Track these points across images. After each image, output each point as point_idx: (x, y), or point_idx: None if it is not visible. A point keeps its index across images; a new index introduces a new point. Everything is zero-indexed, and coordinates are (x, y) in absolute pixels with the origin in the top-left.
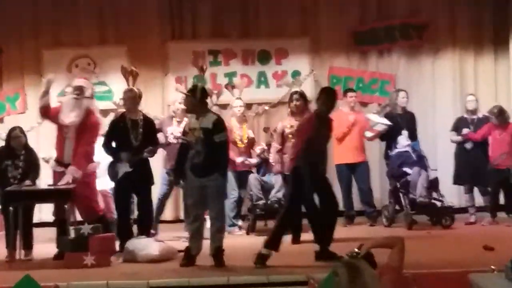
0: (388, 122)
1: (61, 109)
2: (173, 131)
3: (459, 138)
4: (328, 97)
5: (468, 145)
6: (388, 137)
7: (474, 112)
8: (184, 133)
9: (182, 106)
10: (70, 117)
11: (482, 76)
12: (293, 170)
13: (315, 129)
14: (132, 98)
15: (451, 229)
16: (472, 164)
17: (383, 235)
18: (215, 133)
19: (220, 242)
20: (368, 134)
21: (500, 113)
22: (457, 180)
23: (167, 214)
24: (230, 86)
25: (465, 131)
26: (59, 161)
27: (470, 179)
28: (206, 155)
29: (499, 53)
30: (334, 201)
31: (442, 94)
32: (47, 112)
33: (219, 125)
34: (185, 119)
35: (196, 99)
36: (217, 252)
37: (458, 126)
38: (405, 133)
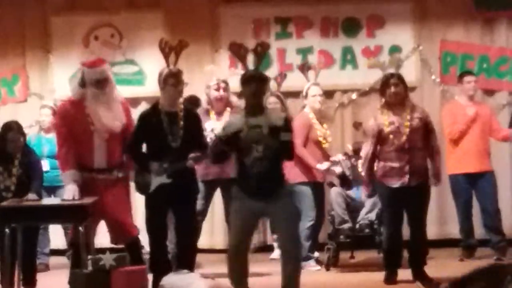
0: None
1: (91, 110)
2: (213, 127)
3: None
4: None
5: None
6: None
7: None
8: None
9: (221, 93)
10: (110, 120)
11: None
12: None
13: None
14: (180, 84)
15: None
16: None
17: None
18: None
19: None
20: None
21: None
22: None
23: (202, 240)
24: (306, 66)
25: None
26: (87, 168)
27: None
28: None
29: None
30: None
31: None
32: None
33: (288, 123)
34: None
35: (267, 86)
36: None
37: None
38: None
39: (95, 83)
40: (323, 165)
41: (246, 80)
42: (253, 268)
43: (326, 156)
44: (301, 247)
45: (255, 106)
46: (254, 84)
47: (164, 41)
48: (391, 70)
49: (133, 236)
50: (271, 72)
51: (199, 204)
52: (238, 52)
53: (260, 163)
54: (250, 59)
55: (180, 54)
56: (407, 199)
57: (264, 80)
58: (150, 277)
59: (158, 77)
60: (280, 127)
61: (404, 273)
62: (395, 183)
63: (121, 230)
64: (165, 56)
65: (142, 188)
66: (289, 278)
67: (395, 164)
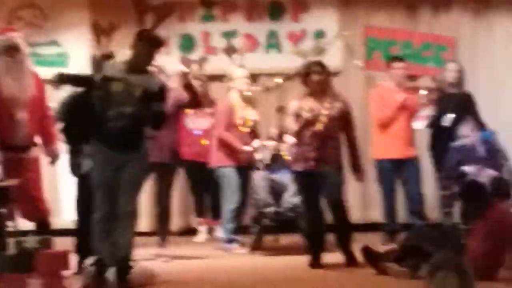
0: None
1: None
2: None
3: None
4: None
5: None
6: (435, 123)
7: None
8: None
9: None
10: (16, 90)
11: None
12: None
13: None
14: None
15: None
16: None
17: None
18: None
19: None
20: (418, 124)
21: None
22: None
23: (143, 223)
24: (231, 49)
25: None
26: (7, 146)
27: None
28: None
29: None
30: None
31: None
32: None
33: (163, 92)
34: None
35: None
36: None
37: None
38: (450, 117)
39: (5, 50)
40: (249, 147)
41: (143, 37)
42: (176, 251)
43: (246, 140)
44: (136, 217)
45: (138, 65)
46: (150, 44)
47: (96, 24)
48: (314, 57)
49: (44, 216)
50: (196, 55)
51: None
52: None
53: (121, 120)
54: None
55: (111, 37)
56: (320, 183)
57: (158, 44)
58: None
59: (91, 60)
60: (154, 93)
61: (330, 257)
62: (307, 168)
63: (34, 208)
64: (96, 38)
65: (74, 169)
66: (120, 252)
67: (310, 151)
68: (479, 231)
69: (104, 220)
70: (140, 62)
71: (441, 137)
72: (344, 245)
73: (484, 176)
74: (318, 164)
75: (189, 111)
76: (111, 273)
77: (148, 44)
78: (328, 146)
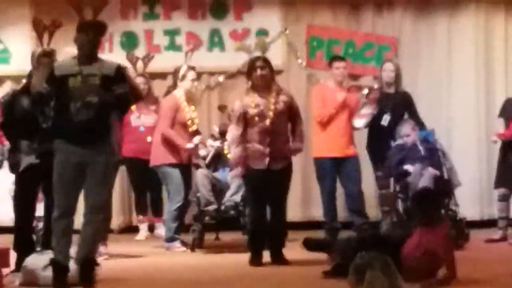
0: (373, 106)
1: None
2: None
3: (495, 139)
4: None
5: None
6: (374, 122)
7: None
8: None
9: None
10: None
11: None
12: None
13: None
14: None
15: (465, 251)
16: None
17: None
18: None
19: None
20: (358, 122)
21: None
22: (501, 182)
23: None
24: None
25: (494, 139)
26: None
27: (510, 182)
28: None
29: None
30: None
31: (461, 65)
32: None
33: (122, 74)
34: None
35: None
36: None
37: (505, 111)
38: (388, 116)
39: None
40: (191, 144)
41: (82, 27)
42: (118, 249)
43: (191, 140)
44: (107, 216)
45: (89, 55)
46: (91, 32)
47: (37, 20)
48: (258, 54)
49: None
50: (139, 52)
51: None
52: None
53: (86, 111)
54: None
55: (54, 34)
56: (270, 182)
57: (102, 29)
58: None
59: (31, 56)
60: (113, 77)
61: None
62: (258, 166)
63: None
64: (38, 35)
65: (12, 167)
66: (87, 250)
67: (259, 147)
68: (415, 237)
69: (63, 218)
70: (87, 52)
71: (379, 136)
72: (275, 244)
73: (426, 175)
74: (270, 162)
75: (133, 108)
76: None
77: (89, 32)
78: (278, 142)
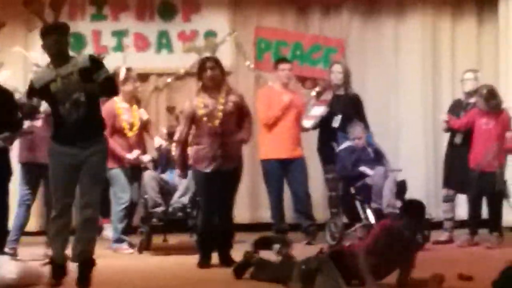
0: (322, 108)
1: None
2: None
3: (443, 125)
4: None
5: (458, 139)
6: (324, 124)
7: (472, 95)
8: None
9: None
10: None
11: (461, 43)
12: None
13: None
14: None
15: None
16: (461, 164)
17: None
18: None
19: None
20: (307, 123)
21: (490, 95)
22: (448, 183)
23: (31, 223)
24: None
25: (442, 117)
26: None
27: (456, 184)
28: None
29: (485, 15)
30: None
31: (408, 67)
32: None
33: (96, 61)
34: None
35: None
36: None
37: (453, 111)
38: (338, 118)
39: None
40: (132, 154)
41: (46, 31)
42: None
43: (132, 143)
44: (98, 214)
45: (59, 56)
46: (55, 34)
47: None
48: (207, 54)
49: None
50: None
51: (23, 189)
52: (32, 7)
53: (76, 110)
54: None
55: None
56: (220, 183)
57: (65, 29)
58: None
59: None
60: (90, 67)
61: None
62: (208, 168)
63: None
64: None
65: None
66: (82, 247)
67: (208, 148)
68: (373, 234)
69: (60, 218)
70: (56, 54)
71: (330, 138)
72: (223, 246)
73: (390, 178)
74: (221, 163)
75: None
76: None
77: (53, 35)
78: (228, 143)
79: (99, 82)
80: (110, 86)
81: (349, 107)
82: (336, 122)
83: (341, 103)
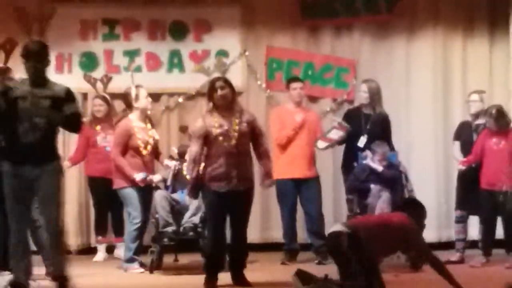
0: (341, 133)
1: None
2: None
3: (460, 167)
4: None
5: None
6: (349, 141)
7: (478, 116)
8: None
9: None
10: None
11: (472, 63)
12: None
13: None
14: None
15: (422, 272)
16: (473, 185)
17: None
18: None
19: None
20: (321, 144)
21: (499, 115)
22: (461, 205)
23: None
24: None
25: (459, 167)
26: None
27: (469, 205)
28: None
29: (496, 35)
30: None
31: (419, 87)
32: None
33: (71, 94)
34: None
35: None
36: None
37: (460, 134)
38: (363, 139)
39: None
40: (139, 175)
41: (26, 55)
42: (76, 270)
43: (145, 163)
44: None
45: (36, 80)
46: (33, 60)
47: None
48: (217, 74)
49: None
50: (98, 73)
51: None
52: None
53: (33, 133)
54: None
55: (11, 54)
56: (233, 203)
57: (43, 55)
58: None
59: None
60: (63, 98)
61: (226, 277)
62: (224, 188)
63: None
64: None
65: None
66: (54, 266)
67: (224, 168)
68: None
69: (20, 240)
70: (34, 78)
71: (354, 157)
72: (237, 266)
73: (383, 197)
74: (236, 183)
75: (98, 128)
76: None
77: (31, 60)
78: (243, 163)
79: (65, 115)
80: (75, 121)
81: (376, 126)
82: (362, 142)
83: (368, 122)
